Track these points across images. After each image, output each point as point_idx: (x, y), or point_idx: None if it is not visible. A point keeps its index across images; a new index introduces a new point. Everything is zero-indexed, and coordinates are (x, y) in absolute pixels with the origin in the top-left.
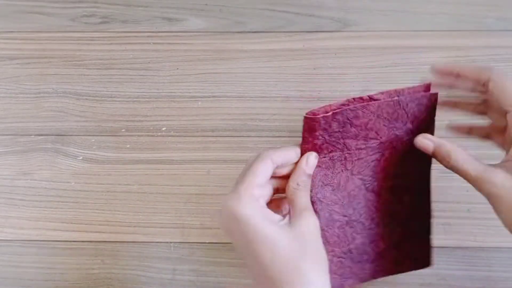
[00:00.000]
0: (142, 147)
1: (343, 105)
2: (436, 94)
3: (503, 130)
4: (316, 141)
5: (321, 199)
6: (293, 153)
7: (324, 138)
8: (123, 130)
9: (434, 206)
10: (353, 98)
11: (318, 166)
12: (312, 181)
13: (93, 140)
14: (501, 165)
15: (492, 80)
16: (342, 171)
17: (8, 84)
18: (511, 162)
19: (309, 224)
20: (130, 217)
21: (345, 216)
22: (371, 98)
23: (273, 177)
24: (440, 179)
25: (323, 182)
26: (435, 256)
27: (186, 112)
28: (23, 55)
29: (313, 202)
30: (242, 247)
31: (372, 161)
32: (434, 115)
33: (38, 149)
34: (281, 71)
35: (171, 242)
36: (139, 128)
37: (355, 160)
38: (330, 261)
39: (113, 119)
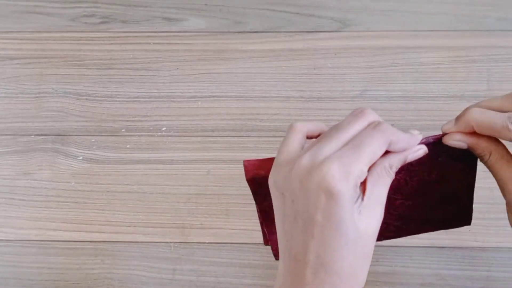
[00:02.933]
0: (142, 147)
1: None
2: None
3: None
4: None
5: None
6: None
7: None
8: (123, 130)
9: None
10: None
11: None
12: None
13: (93, 140)
14: None
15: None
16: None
17: (8, 84)
18: None
19: (375, 224)
20: (130, 217)
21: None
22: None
23: None
24: None
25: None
26: (435, 256)
27: (186, 112)
28: (23, 55)
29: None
30: (308, 217)
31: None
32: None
33: (38, 149)
34: (281, 71)
35: (171, 242)
36: (139, 128)
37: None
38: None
39: (113, 119)
